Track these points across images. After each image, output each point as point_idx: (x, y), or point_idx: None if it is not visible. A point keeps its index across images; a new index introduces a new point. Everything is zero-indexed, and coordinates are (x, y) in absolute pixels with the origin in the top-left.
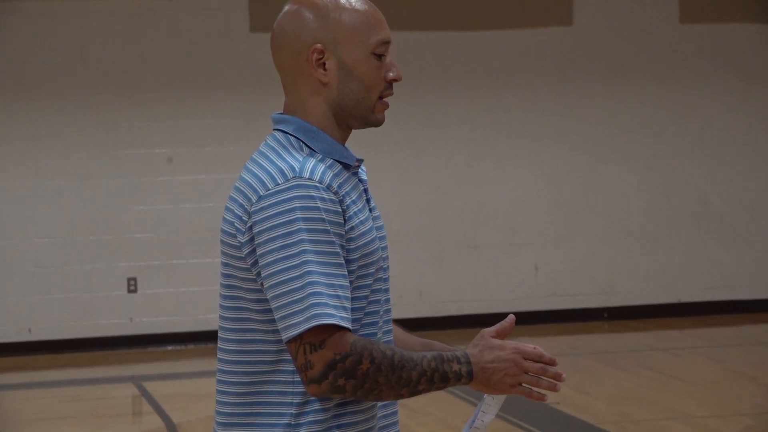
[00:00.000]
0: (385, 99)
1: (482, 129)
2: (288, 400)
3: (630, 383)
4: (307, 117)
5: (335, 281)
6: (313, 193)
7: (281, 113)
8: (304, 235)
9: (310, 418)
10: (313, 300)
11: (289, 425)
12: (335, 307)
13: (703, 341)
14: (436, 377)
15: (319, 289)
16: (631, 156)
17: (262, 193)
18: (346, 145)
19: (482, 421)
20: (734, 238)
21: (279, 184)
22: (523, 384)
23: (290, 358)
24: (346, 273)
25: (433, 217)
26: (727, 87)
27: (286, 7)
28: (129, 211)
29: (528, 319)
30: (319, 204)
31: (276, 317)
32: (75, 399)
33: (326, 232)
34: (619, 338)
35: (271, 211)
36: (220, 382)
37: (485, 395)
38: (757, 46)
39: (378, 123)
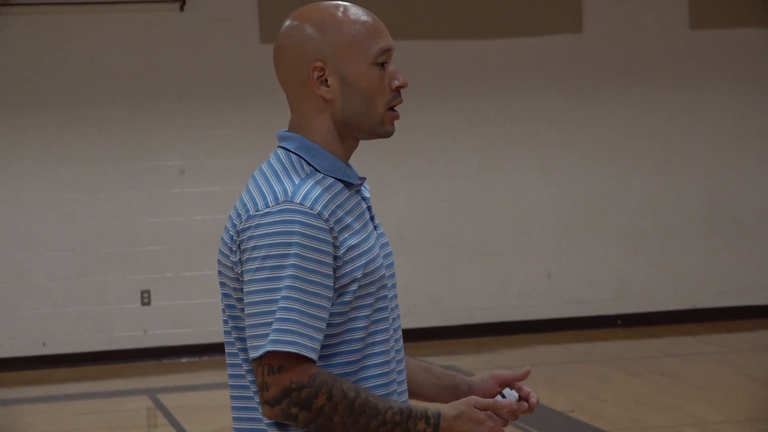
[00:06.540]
0: (395, 109)
1: (493, 136)
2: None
3: (644, 389)
4: (311, 134)
5: (308, 310)
6: (299, 218)
7: (286, 130)
8: (281, 261)
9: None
10: (277, 326)
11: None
12: (301, 335)
13: (717, 347)
14: (397, 431)
15: (287, 315)
16: (642, 161)
17: (251, 213)
18: (351, 162)
19: None
20: (747, 243)
21: (268, 207)
22: None
23: None
24: (325, 303)
25: (445, 225)
26: (737, 91)
27: (287, 23)
28: (141, 224)
29: (541, 327)
30: (304, 230)
31: (246, 336)
32: (90, 412)
33: (307, 259)
34: (633, 344)
35: (253, 233)
36: (233, 397)
37: None
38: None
39: (386, 134)
